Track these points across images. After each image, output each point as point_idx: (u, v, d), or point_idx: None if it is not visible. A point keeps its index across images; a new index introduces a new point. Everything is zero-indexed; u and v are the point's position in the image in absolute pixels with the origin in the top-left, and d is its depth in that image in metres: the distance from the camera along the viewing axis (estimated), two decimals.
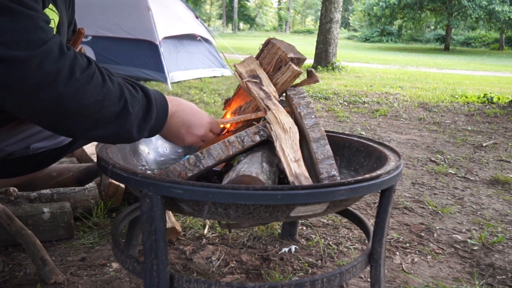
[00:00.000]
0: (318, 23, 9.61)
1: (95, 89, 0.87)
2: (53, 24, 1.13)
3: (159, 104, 1.00)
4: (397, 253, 1.63)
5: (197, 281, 0.96)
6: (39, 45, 0.79)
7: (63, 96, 0.82)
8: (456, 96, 6.19)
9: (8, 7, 0.78)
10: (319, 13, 10.53)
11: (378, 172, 1.01)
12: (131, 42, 6.32)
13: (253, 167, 0.99)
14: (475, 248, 1.69)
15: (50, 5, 1.10)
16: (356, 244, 1.68)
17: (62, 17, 1.19)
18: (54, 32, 1.17)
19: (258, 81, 1.13)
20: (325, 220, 1.88)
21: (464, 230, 1.86)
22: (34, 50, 0.78)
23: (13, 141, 1.25)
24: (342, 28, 44.44)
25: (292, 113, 1.13)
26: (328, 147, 1.04)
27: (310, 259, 1.55)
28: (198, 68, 7.06)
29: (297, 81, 1.20)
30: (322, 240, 1.70)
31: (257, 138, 1.06)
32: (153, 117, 0.97)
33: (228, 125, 1.24)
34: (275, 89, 1.14)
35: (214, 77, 7.27)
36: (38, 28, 0.81)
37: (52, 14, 1.12)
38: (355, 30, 45.89)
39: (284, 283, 0.98)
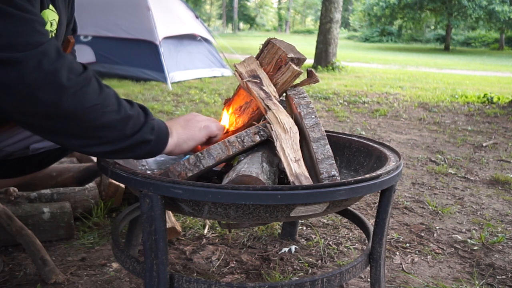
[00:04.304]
0: (318, 23, 9.61)
1: (94, 94, 0.86)
2: (54, 25, 1.13)
3: (156, 119, 0.99)
4: (397, 253, 1.63)
5: (197, 281, 0.96)
6: (36, 47, 0.79)
7: (62, 95, 0.81)
8: (456, 96, 6.18)
9: (5, 10, 0.78)
10: (319, 13, 10.53)
11: (378, 172, 1.01)
12: (131, 42, 6.32)
13: (253, 167, 0.99)
14: (475, 248, 1.69)
15: (50, 6, 1.10)
16: (356, 244, 1.68)
17: (61, 16, 1.19)
18: (54, 32, 1.18)
19: (258, 81, 1.13)
20: (325, 220, 1.88)
21: (464, 230, 1.86)
22: (31, 50, 0.78)
23: (12, 142, 1.24)
24: (342, 28, 44.45)
25: (292, 113, 1.13)
26: (328, 147, 1.04)
27: (310, 259, 1.55)
28: (198, 68, 7.06)
29: (297, 81, 1.20)
30: (322, 240, 1.70)
31: (257, 138, 1.06)
32: (155, 124, 0.96)
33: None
34: (275, 89, 1.13)
35: (214, 77, 7.27)
36: (35, 31, 0.81)
37: (53, 15, 1.12)
38: (355, 30, 45.87)
39: (284, 283, 0.98)
